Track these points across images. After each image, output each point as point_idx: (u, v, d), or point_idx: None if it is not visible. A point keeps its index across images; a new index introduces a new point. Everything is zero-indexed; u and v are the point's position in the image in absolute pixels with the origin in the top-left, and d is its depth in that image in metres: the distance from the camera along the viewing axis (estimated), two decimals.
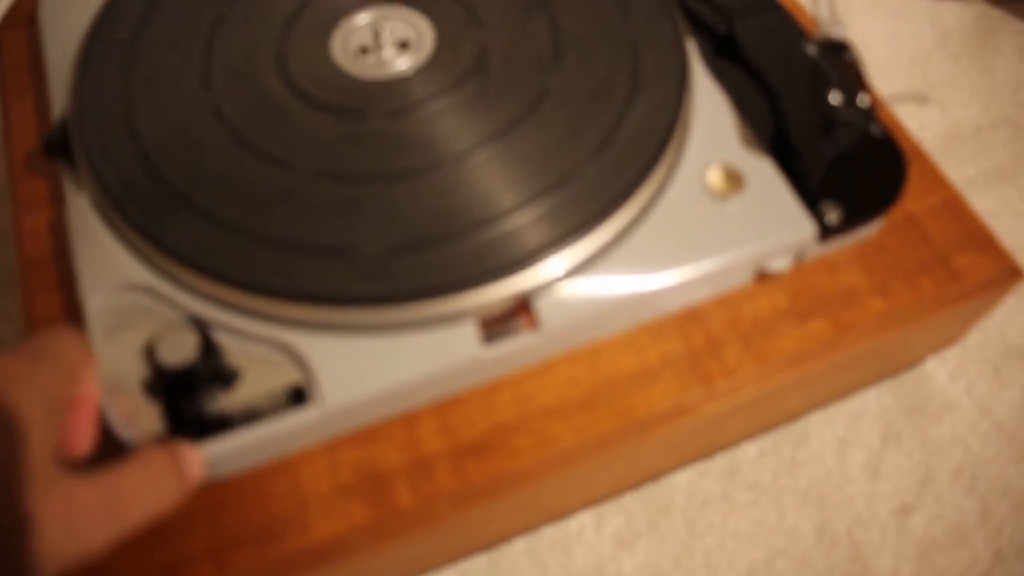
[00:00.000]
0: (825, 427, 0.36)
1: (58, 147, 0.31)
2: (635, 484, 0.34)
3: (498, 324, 0.27)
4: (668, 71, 0.32)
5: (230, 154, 0.30)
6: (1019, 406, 0.37)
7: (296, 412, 0.26)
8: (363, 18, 0.34)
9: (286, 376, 0.27)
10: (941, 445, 0.36)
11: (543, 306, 0.27)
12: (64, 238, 0.31)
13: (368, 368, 0.26)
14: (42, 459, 0.21)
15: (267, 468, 0.27)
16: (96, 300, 0.28)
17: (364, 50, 0.33)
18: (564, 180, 0.29)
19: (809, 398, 0.34)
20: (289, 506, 0.26)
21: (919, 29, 0.49)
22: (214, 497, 0.26)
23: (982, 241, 0.31)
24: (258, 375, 0.27)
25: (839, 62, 0.31)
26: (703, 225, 0.29)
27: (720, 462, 0.35)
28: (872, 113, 0.30)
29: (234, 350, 0.27)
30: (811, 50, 0.32)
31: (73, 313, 0.29)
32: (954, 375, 0.38)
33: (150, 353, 0.26)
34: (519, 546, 0.33)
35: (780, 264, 0.29)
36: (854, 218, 0.30)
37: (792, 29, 0.34)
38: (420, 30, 0.34)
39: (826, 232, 0.29)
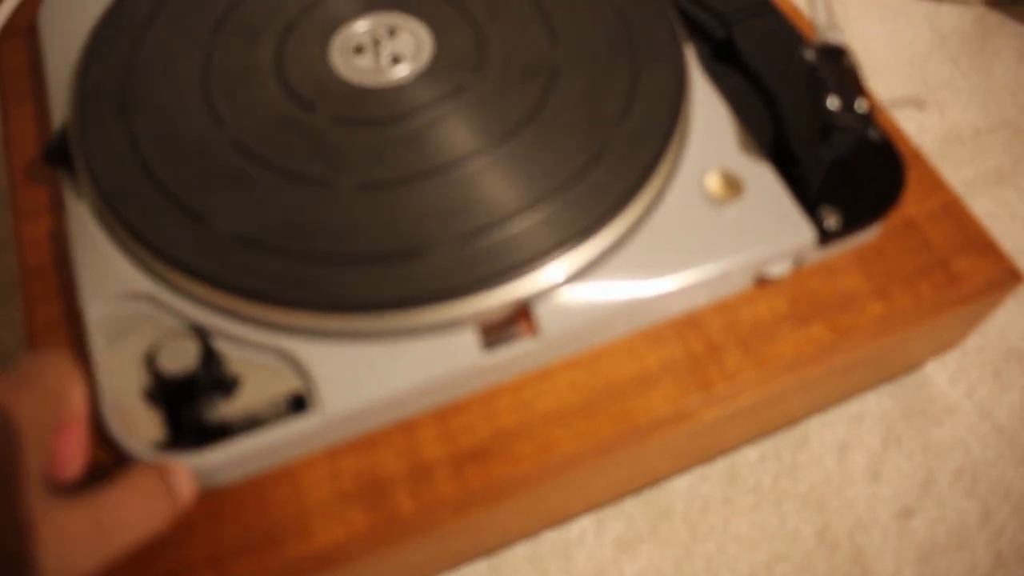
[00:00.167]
0: (825, 431, 0.36)
1: (58, 155, 0.31)
2: (636, 489, 0.34)
3: (497, 330, 0.27)
4: (666, 77, 0.32)
5: (230, 162, 0.30)
6: (1020, 409, 0.37)
7: (296, 420, 0.26)
8: (362, 25, 0.34)
9: (286, 384, 0.27)
10: (942, 448, 0.36)
11: (542, 312, 0.27)
12: (65, 246, 0.31)
13: (368, 375, 0.26)
14: (33, 485, 0.21)
15: (268, 475, 0.27)
16: (97, 308, 0.28)
17: (362, 56, 0.33)
18: (562, 186, 0.29)
19: (809, 402, 0.34)
20: (290, 513, 0.26)
21: (918, 31, 0.49)
22: (214, 505, 0.26)
23: (981, 244, 0.31)
24: (258, 383, 0.27)
25: (837, 67, 0.31)
26: (702, 231, 0.29)
27: (720, 466, 0.35)
28: (870, 118, 0.30)
29: (234, 358, 0.27)
30: (809, 55, 0.32)
31: (74, 321, 0.29)
32: (954, 378, 0.38)
33: (151, 361, 0.26)
34: (520, 552, 0.33)
35: (779, 269, 0.29)
36: (853, 223, 0.30)
37: (790, 33, 0.34)
38: (419, 37, 0.34)
39: (825, 237, 0.29)
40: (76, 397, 0.24)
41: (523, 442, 0.27)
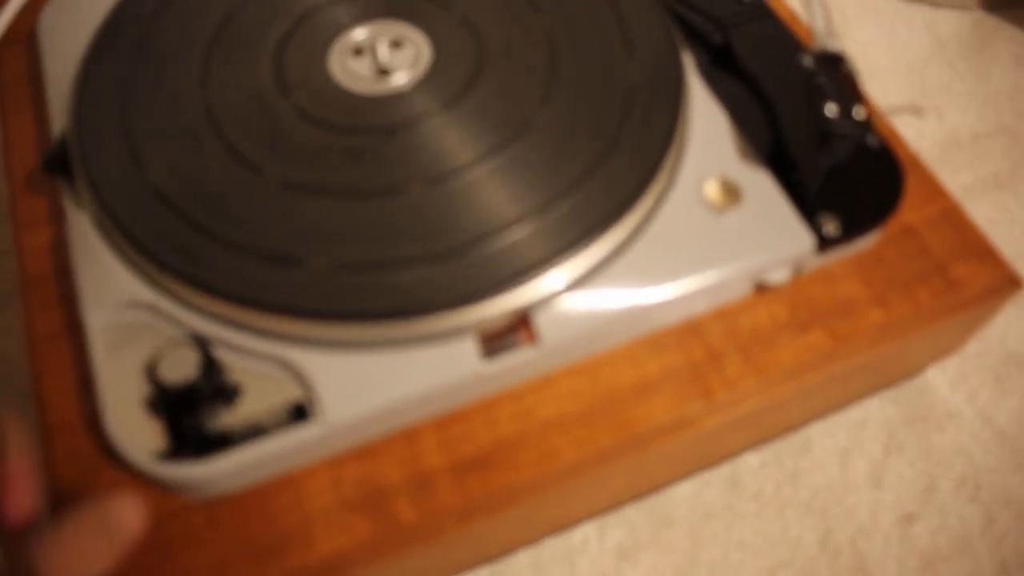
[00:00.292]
0: (827, 437, 0.36)
1: (57, 164, 0.31)
2: (638, 495, 0.34)
3: (497, 338, 0.28)
4: (665, 85, 0.32)
5: (229, 171, 0.30)
6: (1020, 415, 0.37)
7: (298, 429, 0.26)
8: (360, 33, 0.34)
9: (287, 392, 0.27)
10: (943, 454, 0.36)
11: (542, 320, 0.27)
12: (65, 255, 0.31)
13: (369, 384, 0.26)
14: None
15: (269, 484, 0.27)
16: (97, 318, 0.28)
17: (361, 64, 0.33)
18: (561, 195, 0.29)
19: (810, 408, 0.34)
20: (292, 522, 0.26)
21: (916, 36, 0.50)
22: (217, 514, 0.26)
23: (980, 250, 0.31)
24: (259, 392, 0.27)
25: (835, 74, 0.31)
26: (701, 238, 0.29)
27: (722, 473, 0.35)
28: (869, 125, 0.30)
29: (235, 366, 0.27)
30: (807, 61, 0.32)
31: (75, 330, 0.29)
32: (955, 384, 0.38)
33: (151, 371, 0.26)
34: (522, 558, 0.33)
35: (779, 276, 0.29)
36: (852, 229, 0.30)
37: (788, 40, 0.34)
38: (418, 45, 0.34)
39: (824, 244, 0.29)
40: (16, 450, 0.23)
41: (524, 450, 0.27)
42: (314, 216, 0.29)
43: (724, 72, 0.34)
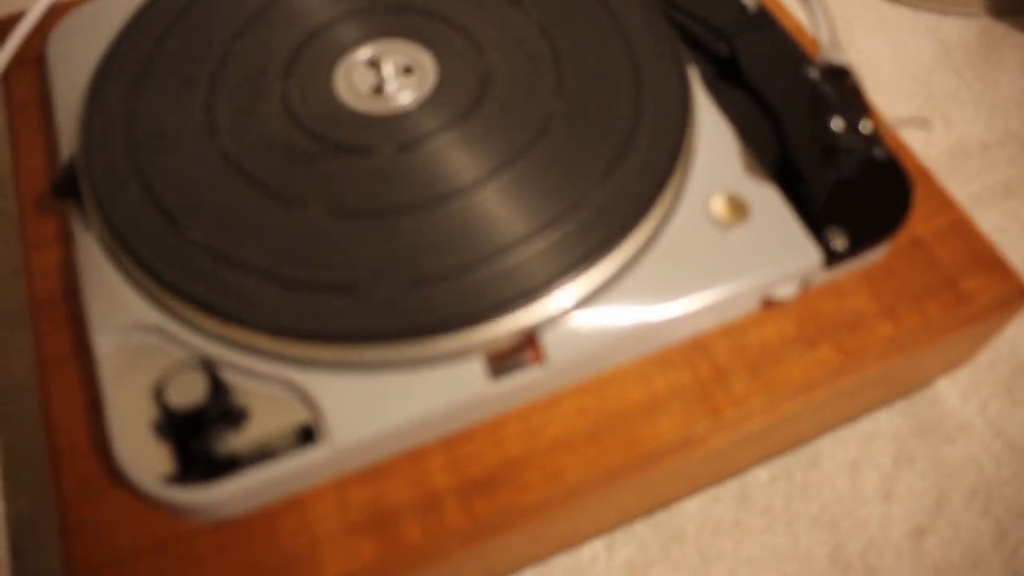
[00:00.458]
0: (836, 450, 0.36)
1: (66, 188, 0.31)
2: (647, 511, 0.34)
3: (504, 358, 0.27)
4: (671, 101, 0.32)
5: (236, 193, 0.30)
6: None
7: (305, 451, 0.26)
8: (364, 52, 0.34)
9: (294, 415, 0.27)
10: (955, 466, 0.36)
11: (549, 340, 0.27)
12: (73, 277, 0.31)
13: (376, 406, 0.26)
14: None
15: (276, 506, 0.27)
16: (105, 340, 0.28)
17: (367, 85, 0.33)
18: (567, 214, 0.29)
19: (819, 423, 0.34)
20: (299, 544, 0.26)
21: (922, 44, 0.49)
22: (224, 537, 0.26)
23: (990, 263, 0.31)
24: (266, 414, 0.27)
25: (841, 87, 0.31)
26: (708, 254, 0.29)
27: (731, 487, 0.35)
28: (875, 138, 0.30)
29: (242, 389, 0.27)
30: (813, 73, 0.32)
31: (83, 352, 0.30)
32: (966, 395, 0.37)
33: (159, 394, 0.26)
34: None
35: (786, 291, 0.29)
36: (860, 243, 0.30)
37: (793, 52, 0.34)
38: (422, 64, 0.34)
39: (832, 258, 0.29)
40: None
41: (531, 470, 0.27)
42: (320, 238, 0.29)
43: (729, 84, 0.34)
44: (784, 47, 0.34)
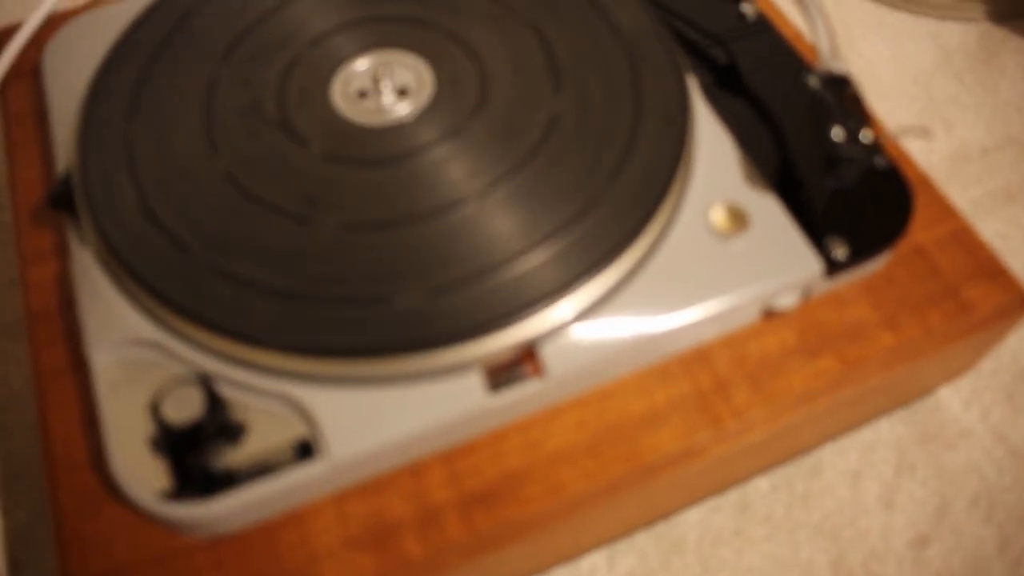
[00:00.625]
0: (837, 458, 0.36)
1: (62, 201, 0.31)
2: (647, 522, 0.34)
3: (503, 371, 0.27)
4: (670, 111, 0.32)
5: (233, 207, 0.30)
6: None
7: (303, 466, 0.26)
8: (362, 64, 0.34)
9: (292, 430, 0.27)
10: (956, 474, 0.35)
11: (548, 352, 0.27)
12: (70, 290, 0.31)
13: (374, 420, 0.26)
14: None
15: (275, 522, 0.27)
16: (101, 355, 0.28)
17: (363, 96, 0.33)
18: (566, 226, 0.29)
19: (820, 433, 0.33)
20: (298, 559, 0.26)
21: (922, 49, 0.49)
22: (222, 552, 0.26)
23: (991, 271, 0.31)
24: (264, 429, 0.27)
25: (841, 96, 0.31)
26: (708, 265, 0.29)
27: (732, 497, 0.35)
28: (876, 148, 0.30)
29: (239, 404, 0.27)
30: (813, 81, 0.32)
31: (80, 366, 0.29)
32: (967, 402, 0.37)
33: (155, 410, 0.26)
34: None
35: (787, 301, 0.29)
36: (861, 252, 0.29)
37: (792, 58, 0.34)
38: (420, 74, 0.34)
39: (833, 268, 0.29)
40: None
41: (532, 483, 0.27)
42: (315, 251, 0.29)
43: (728, 91, 0.34)
44: (783, 55, 0.34)
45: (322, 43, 0.35)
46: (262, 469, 0.26)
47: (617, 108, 0.32)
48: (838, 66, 0.31)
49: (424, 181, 0.30)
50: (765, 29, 0.35)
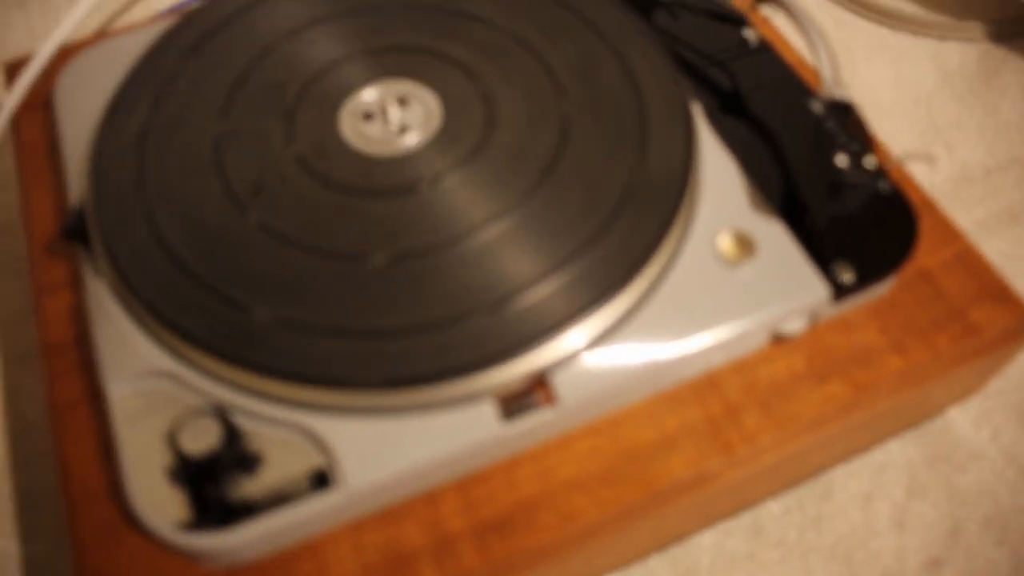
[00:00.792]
0: (849, 481, 0.36)
1: (76, 234, 0.31)
2: (660, 547, 0.34)
3: (516, 400, 0.28)
4: (675, 139, 0.32)
5: (247, 238, 0.30)
6: None
7: (319, 496, 0.26)
8: (369, 94, 0.35)
9: (308, 460, 0.27)
10: (968, 495, 0.36)
11: (560, 381, 0.27)
12: (85, 321, 0.31)
13: (389, 450, 0.26)
14: None
15: (292, 551, 0.27)
16: (118, 387, 0.28)
17: (371, 125, 0.34)
18: (574, 256, 0.29)
19: (831, 456, 0.34)
20: None
21: (923, 70, 0.50)
22: None
23: (997, 293, 0.31)
24: (280, 459, 0.27)
25: (844, 122, 0.31)
26: (716, 292, 0.29)
27: (745, 520, 0.35)
28: (880, 173, 0.30)
29: (255, 434, 0.27)
30: (816, 107, 0.33)
31: (95, 397, 0.30)
32: (977, 423, 0.37)
33: (172, 441, 0.26)
34: None
35: (795, 327, 0.29)
36: (867, 277, 0.30)
37: (795, 84, 0.34)
38: (428, 104, 0.34)
39: (840, 292, 0.29)
40: None
41: (546, 511, 0.27)
42: (332, 284, 0.29)
43: (731, 117, 0.34)
44: (786, 80, 0.35)
45: (333, 71, 0.35)
46: (279, 499, 0.26)
47: (623, 137, 0.32)
48: (841, 92, 0.31)
49: (436, 211, 0.31)
50: (767, 54, 0.36)
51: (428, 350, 0.27)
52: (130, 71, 0.36)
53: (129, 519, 0.27)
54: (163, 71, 0.36)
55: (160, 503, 0.27)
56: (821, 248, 0.30)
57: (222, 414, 0.27)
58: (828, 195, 0.31)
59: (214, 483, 0.26)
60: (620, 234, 0.30)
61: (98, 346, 0.29)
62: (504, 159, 0.32)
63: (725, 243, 0.30)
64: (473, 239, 0.30)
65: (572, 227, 0.30)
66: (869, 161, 0.30)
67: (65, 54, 0.40)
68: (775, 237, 0.30)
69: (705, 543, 0.35)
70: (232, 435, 0.27)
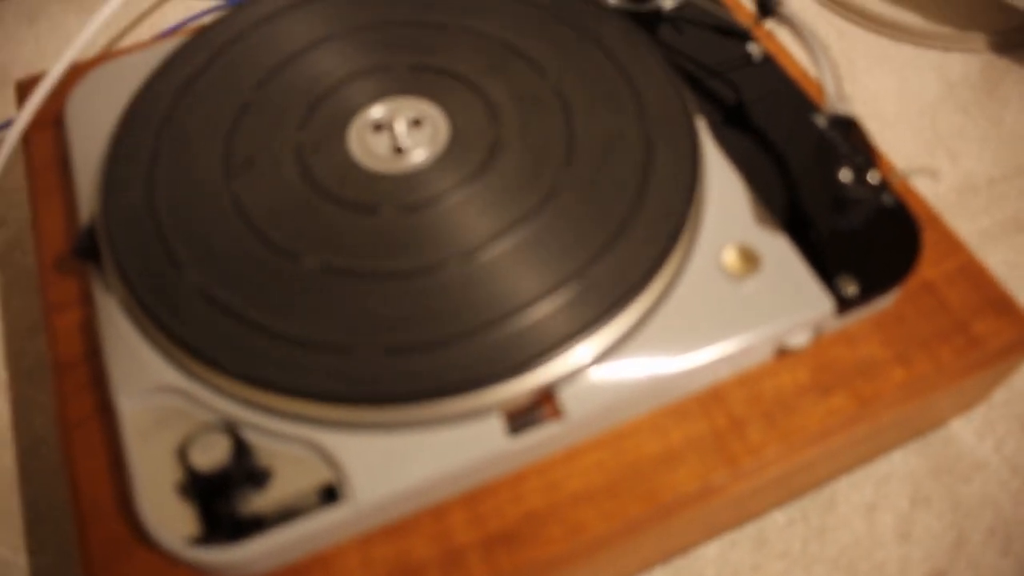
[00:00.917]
0: (853, 492, 0.36)
1: (87, 252, 0.32)
2: (665, 558, 0.34)
3: (522, 414, 0.28)
4: (681, 154, 0.32)
5: (258, 256, 0.31)
6: None
7: (328, 510, 0.26)
8: (377, 111, 0.35)
9: (317, 474, 0.27)
10: (972, 506, 0.36)
11: (566, 395, 0.28)
12: (95, 338, 0.31)
13: (397, 464, 0.27)
14: None
15: (301, 565, 0.27)
16: (128, 402, 0.29)
17: (379, 143, 0.34)
18: (580, 271, 0.29)
19: (835, 468, 0.34)
20: None
21: (926, 81, 0.50)
22: None
23: (1000, 305, 0.31)
24: (289, 474, 0.27)
25: (848, 136, 0.31)
26: (721, 306, 0.29)
27: (749, 531, 0.35)
28: (884, 188, 0.31)
29: (265, 449, 0.27)
30: (820, 121, 0.33)
31: (106, 413, 0.30)
32: (981, 433, 0.37)
33: (183, 456, 0.27)
34: None
35: (799, 340, 0.30)
36: (871, 290, 0.30)
37: (799, 98, 0.34)
38: (435, 121, 0.34)
39: (844, 306, 0.30)
40: None
41: (552, 524, 0.28)
42: (339, 301, 0.29)
43: (735, 131, 0.34)
44: (790, 95, 0.35)
45: (343, 89, 0.36)
46: (288, 513, 0.27)
47: (629, 155, 0.33)
48: (844, 108, 0.31)
49: (442, 228, 0.31)
50: (771, 69, 0.36)
51: (436, 366, 0.28)
52: (141, 88, 0.36)
53: (139, 534, 0.28)
54: (174, 88, 0.36)
55: (170, 518, 0.27)
56: (825, 262, 0.30)
57: (232, 429, 0.27)
58: (832, 209, 0.31)
59: (224, 498, 0.27)
60: (625, 249, 0.30)
61: (109, 362, 0.30)
62: (512, 174, 0.32)
63: (730, 257, 0.30)
64: (480, 255, 0.30)
65: (580, 243, 0.30)
66: (873, 176, 0.30)
67: (76, 72, 0.41)
68: (779, 251, 0.30)
69: (710, 555, 0.35)
70: (242, 450, 0.27)
